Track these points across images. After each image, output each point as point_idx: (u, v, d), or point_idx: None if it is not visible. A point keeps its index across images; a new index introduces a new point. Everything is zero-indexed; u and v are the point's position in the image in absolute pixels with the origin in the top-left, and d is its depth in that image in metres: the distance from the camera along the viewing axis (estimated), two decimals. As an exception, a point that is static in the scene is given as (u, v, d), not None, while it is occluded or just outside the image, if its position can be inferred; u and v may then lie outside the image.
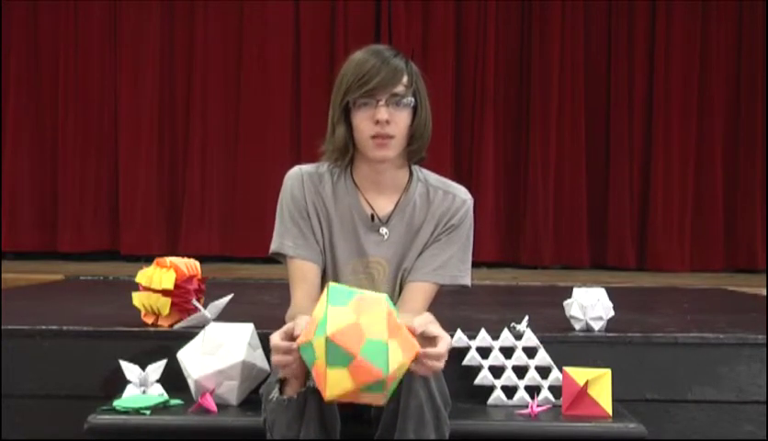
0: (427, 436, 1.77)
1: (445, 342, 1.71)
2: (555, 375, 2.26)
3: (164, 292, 2.43)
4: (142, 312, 2.51)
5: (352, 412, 1.83)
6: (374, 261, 2.07)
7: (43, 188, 6.42)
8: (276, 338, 1.70)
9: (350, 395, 1.60)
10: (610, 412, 2.14)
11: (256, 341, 2.24)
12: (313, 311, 1.64)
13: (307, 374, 1.73)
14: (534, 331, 2.35)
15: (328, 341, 1.57)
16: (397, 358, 1.60)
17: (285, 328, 1.71)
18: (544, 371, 2.28)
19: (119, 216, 6.37)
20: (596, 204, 6.47)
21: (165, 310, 2.45)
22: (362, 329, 1.59)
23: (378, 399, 1.63)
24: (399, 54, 2.01)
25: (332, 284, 1.67)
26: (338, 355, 1.58)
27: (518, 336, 2.35)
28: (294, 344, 1.65)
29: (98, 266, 5.67)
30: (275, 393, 1.83)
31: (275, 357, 1.71)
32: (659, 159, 6.43)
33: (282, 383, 1.83)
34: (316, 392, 1.74)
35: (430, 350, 1.68)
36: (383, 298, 1.66)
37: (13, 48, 6.39)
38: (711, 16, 6.47)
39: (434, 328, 1.74)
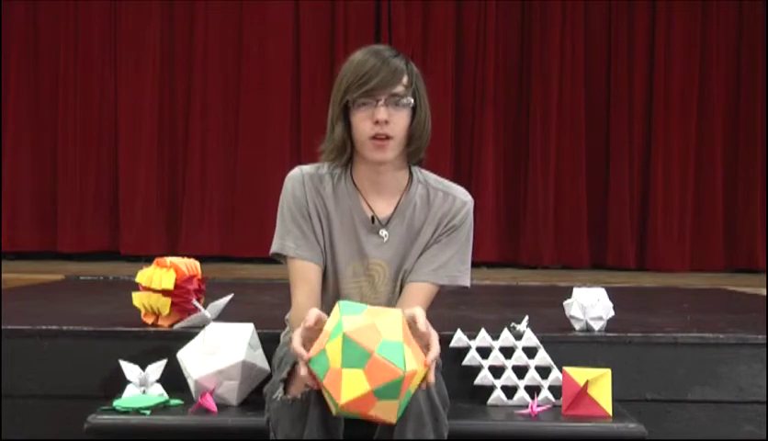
0: (426, 437, 1.77)
1: (433, 352, 1.69)
2: (555, 375, 2.26)
3: (164, 292, 2.44)
4: (142, 312, 2.51)
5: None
6: (374, 263, 2.07)
7: (43, 188, 6.42)
8: (296, 341, 1.68)
9: (364, 402, 1.58)
10: (610, 412, 2.14)
11: (256, 341, 2.25)
12: (325, 326, 1.64)
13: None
14: (534, 331, 2.35)
15: (345, 338, 1.57)
16: (412, 361, 1.59)
17: (302, 325, 1.69)
18: (544, 371, 2.28)
19: (119, 216, 6.37)
20: (596, 204, 6.47)
21: (165, 310, 2.45)
22: (378, 329, 1.59)
23: (391, 412, 1.61)
24: (399, 54, 2.01)
25: (341, 301, 1.67)
26: (354, 353, 1.57)
27: (518, 336, 2.35)
28: (306, 356, 1.64)
29: (98, 266, 5.67)
30: (278, 393, 1.83)
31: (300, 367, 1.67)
32: (659, 159, 6.43)
33: (286, 383, 1.83)
34: (320, 392, 1.75)
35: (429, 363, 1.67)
36: (397, 309, 1.67)
37: (13, 48, 6.39)
38: (711, 16, 6.48)
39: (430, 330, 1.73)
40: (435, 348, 1.68)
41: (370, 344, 1.57)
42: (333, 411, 1.62)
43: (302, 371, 1.65)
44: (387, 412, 1.61)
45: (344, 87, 1.97)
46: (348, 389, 1.57)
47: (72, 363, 2.41)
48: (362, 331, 1.59)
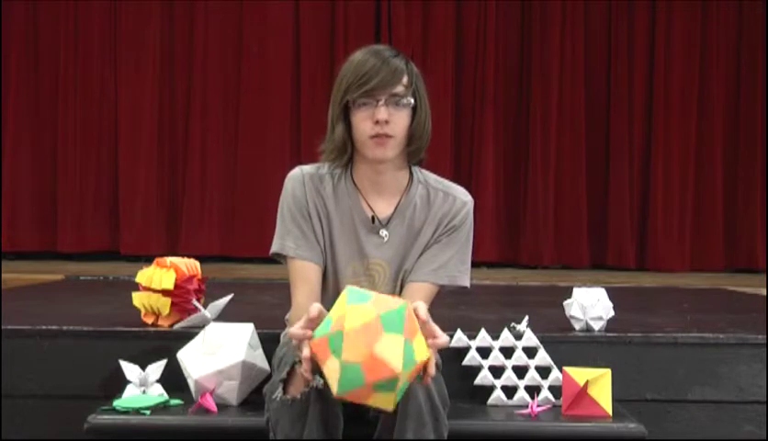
0: (426, 437, 1.77)
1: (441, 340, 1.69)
2: (555, 375, 2.26)
3: (164, 292, 2.44)
4: (142, 312, 2.51)
5: (353, 412, 1.83)
6: (374, 263, 2.07)
7: (43, 188, 6.42)
8: (294, 327, 1.66)
9: (360, 393, 1.58)
10: (610, 412, 2.14)
11: (256, 341, 2.25)
12: (331, 311, 1.62)
13: (312, 374, 1.72)
14: (534, 331, 2.35)
15: (345, 336, 1.56)
16: (411, 358, 1.59)
17: (303, 318, 1.68)
18: (544, 371, 2.28)
19: (119, 216, 6.37)
20: (596, 204, 6.47)
21: (165, 310, 2.45)
22: (380, 325, 1.58)
23: (388, 402, 1.61)
24: (399, 54, 2.00)
25: (349, 287, 1.65)
26: (354, 348, 1.56)
27: (518, 336, 2.35)
28: (308, 332, 1.62)
29: (98, 266, 5.67)
30: (278, 393, 1.82)
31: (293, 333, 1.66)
32: (659, 159, 6.43)
33: (285, 383, 1.83)
34: (319, 393, 1.75)
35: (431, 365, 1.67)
36: (401, 300, 1.66)
37: (13, 48, 6.39)
38: (711, 16, 6.48)
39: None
40: (443, 338, 1.67)
41: (370, 339, 1.56)
42: (335, 390, 1.59)
43: (305, 352, 1.62)
44: (384, 401, 1.58)
45: (344, 87, 1.97)
46: (345, 381, 1.56)
47: (72, 363, 2.41)
48: (362, 329, 1.57)
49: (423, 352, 1.62)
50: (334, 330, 1.58)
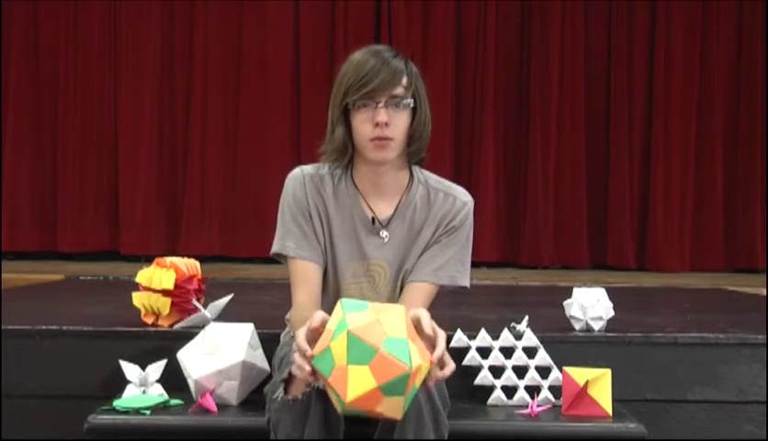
0: (426, 437, 1.77)
1: (443, 350, 1.70)
2: (555, 375, 2.26)
3: (164, 292, 2.44)
4: (142, 312, 2.51)
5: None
6: (375, 264, 2.07)
7: (43, 188, 6.42)
8: (301, 337, 1.67)
9: (370, 398, 1.58)
10: (610, 412, 2.14)
11: (256, 341, 2.24)
12: (327, 325, 1.63)
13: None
14: (534, 331, 2.35)
15: (350, 335, 1.56)
16: (417, 357, 1.59)
17: (307, 325, 1.69)
18: (544, 371, 2.28)
19: (119, 216, 6.37)
20: (596, 204, 6.47)
21: (165, 310, 2.45)
22: (383, 326, 1.59)
23: (397, 408, 1.61)
24: (398, 55, 2.00)
25: (344, 299, 1.66)
26: (360, 350, 1.57)
27: (518, 336, 2.35)
28: (309, 352, 1.63)
29: (98, 266, 5.67)
30: (279, 393, 1.83)
31: (297, 359, 1.67)
32: (659, 159, 6.43)
33: (286, 383, 1.83)
34: (320, 393, 1.75)
35: (441, 373, 1.68)
36: (400, 306, 1.67)
37: (13, 48, 6.39)
38: (711, 16, 6.48)
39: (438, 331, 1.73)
40: (441, 346, 1.68)
41: (375, 340, 1.57)
42: (339, 409, 1.62)
43: (306, 367, 1.63)
44: (393, 408, 1.60)
45: (343, 89, 1.97)
46: (355, 386, 1.57)
47: (72, 363, 2.41)
48: (366, 328, 1.59)
49: (425, 355, 1.63)
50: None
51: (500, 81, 6.48)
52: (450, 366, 1.71)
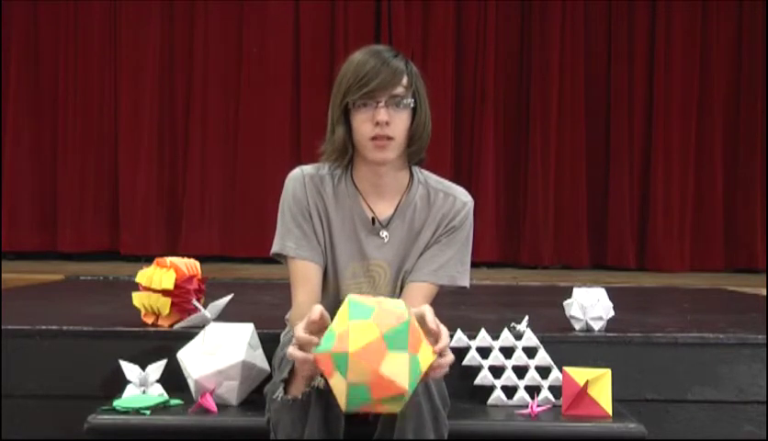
0: (426, 437, 1.78)
1: (446, 344, 1.69)
2: (555, 375, 2.26)
3: (164, 292, 2.44)
4: (142, 312, 2.51)
5: (354, 413, 1.83)
6: (375, 264, 2.07)
7: (43, 188, 6.41)
8: (300, 330, 1.66)
9: (375, 352, 1.57)
10: (610, 412, 2.14)
11: (256, 341, 2.25)
12: (332, 324, 1.61)
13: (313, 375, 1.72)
14: (534, 331, 2.35)
15: (350, 358, 1.55)
16: (417, 371, 1.59)
17: (306, 319, 1.68)
18: (544, 371, 2.28)
19: (119, 216, 6.36)
20: (596, 204, 6.47)
21: (165, 310, 2.45)
22: (384, 343, 1.57)
23: (396, 408, 1.61)
24: (398, 55, 2.00)
25: (350, 298, 1.64)
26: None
27: (518, 336, 2.35)
28: (315, 339, 1.62)
29: (98, 266, 5.66)
30: (279, 393, 1.82)
31: (294, 351, 1.66)
32: (659, 159, 6.43)
33: (286, 383, 1.83)
34: (320, 393, 1.75)
35: (441, 360, 1.67)
36: (403, 307, 1.64)
37: (13, 48, 6.39)
38: (711, 16, 6.47)
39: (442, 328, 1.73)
40: (444, 340, 1.67)
41: (375, 362, 1.55)
42: (343, 407, 1.60)
43: (308, 357, 1.62)
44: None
45: (343, 89, 1.97)
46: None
47: (72, 363, 2.41)
48: (367, 349, 1.56)
49: (427, 358, 1.62)
50: (338, 350, 1.56)
51: (500, 81, 6.48)
52: (451, 355, 1.70)
